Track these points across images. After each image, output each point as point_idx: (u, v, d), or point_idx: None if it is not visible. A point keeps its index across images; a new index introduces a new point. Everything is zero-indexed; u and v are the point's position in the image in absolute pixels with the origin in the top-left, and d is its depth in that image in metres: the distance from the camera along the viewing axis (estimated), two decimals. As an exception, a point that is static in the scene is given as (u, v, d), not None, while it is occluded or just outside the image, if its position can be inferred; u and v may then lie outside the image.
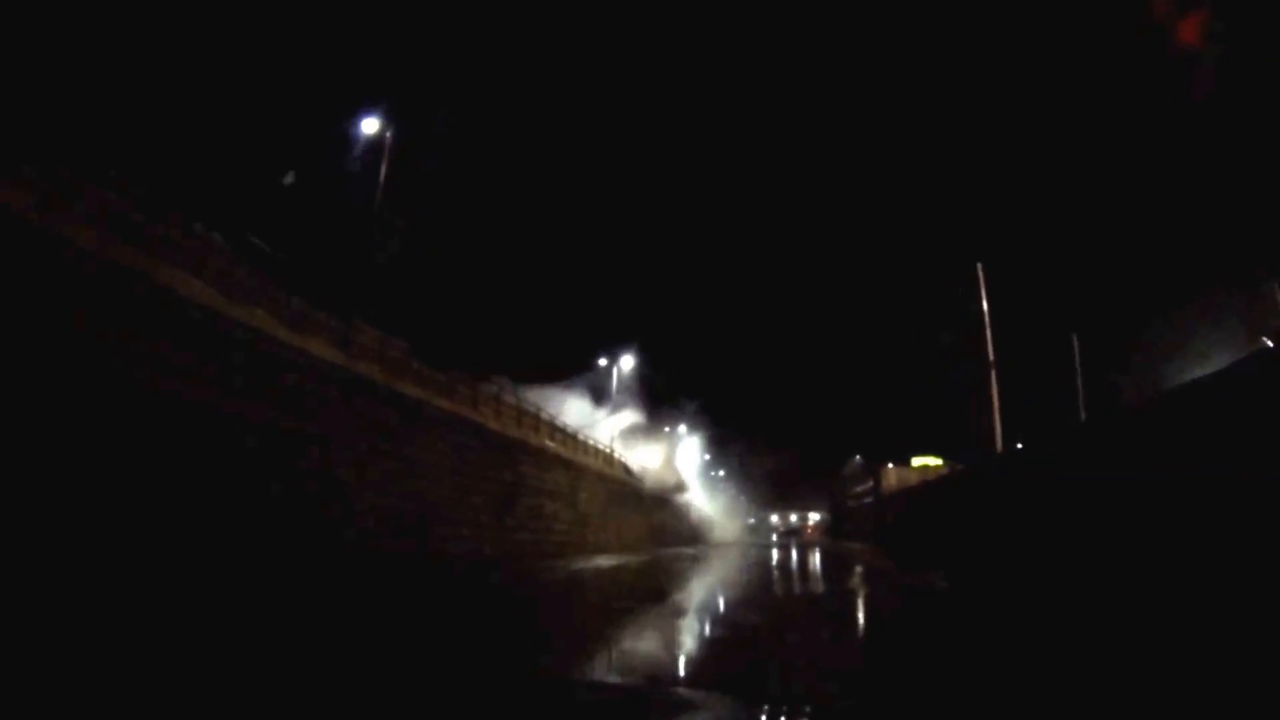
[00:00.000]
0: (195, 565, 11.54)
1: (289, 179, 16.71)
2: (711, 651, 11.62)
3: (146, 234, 13.28)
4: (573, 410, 47.16)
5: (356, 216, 22.36)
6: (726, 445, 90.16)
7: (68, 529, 10.28)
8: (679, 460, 74.93)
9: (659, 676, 9.20)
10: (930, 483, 34.76)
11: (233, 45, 28.43)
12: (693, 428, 78.43)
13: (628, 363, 54.33)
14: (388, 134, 22.41)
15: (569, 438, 38.42)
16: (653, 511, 54.05)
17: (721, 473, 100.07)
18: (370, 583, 14.94)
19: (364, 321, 19.53)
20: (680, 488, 70.96)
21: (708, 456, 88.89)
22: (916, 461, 61.58)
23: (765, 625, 13.84)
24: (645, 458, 59.05)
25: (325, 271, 21.73)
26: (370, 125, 22.51)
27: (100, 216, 12.54)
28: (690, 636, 13.16)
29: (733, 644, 12.21)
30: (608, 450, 46.10)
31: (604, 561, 30.96)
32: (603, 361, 52.22)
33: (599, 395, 52.58)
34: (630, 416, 57.27)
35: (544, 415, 34.83)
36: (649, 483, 56.37)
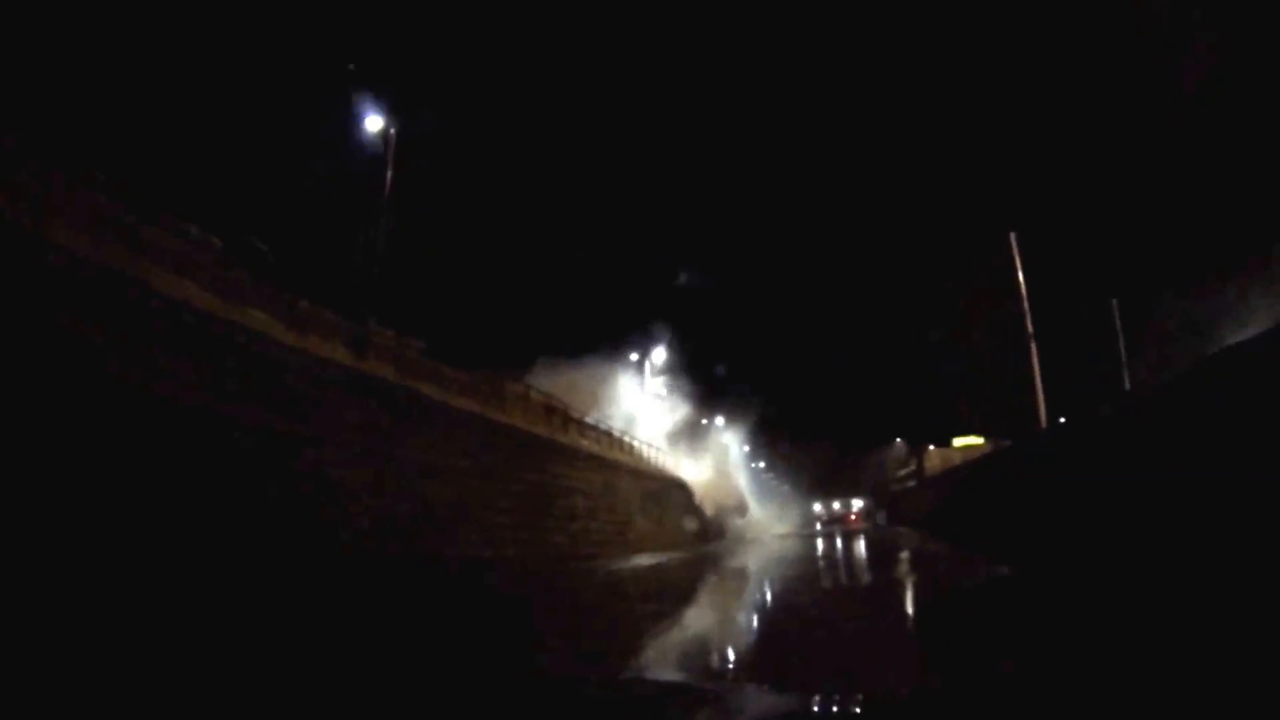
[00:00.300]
0: (210, 576, 11.03)
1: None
2: (757, 653, 11.17)
3: (141, 238, 12.80)
4: (623, 390, 46.43)
5: (362, 215, 21.73)
6: (765, 434, 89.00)
7: (62, 533, 9.79)
8: (725, 460, 73.54)
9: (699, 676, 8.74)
10: (978, 461, 33.76)
11: (222, 45, 27.85)
12: (731, 420, 77.44)
13: (661, 355, 53.42)
14: (391, 131, 21.75)
15: (603, 434, 37.78)
16: (694, 507, 53.13)
17: (762, 464, 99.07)
18: (392, 588, 14.39)
19: (378, 322, 19.02)
20: (741, 509, 68.11)
21: (747, 448, 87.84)
22: (958, 442, 60.41)
23: (815, 628, 13.05)
24: (694, 469, 57.58)
25: (335, 272, 21.29)
26: (374, 123, 21.86)
27: (93, 220, 12.07)
28: (733, 638, 12.69)
29: (778, 644, 11.68)
30: (645, 446, 45.39)
31: (643, 561, 30.26)
32: (634, 357, 51.28)
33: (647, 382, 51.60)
34: (678, 410, 56.17)
35: (573, 412, 34.21)
36: (703, 501, 54.47)
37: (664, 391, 54.91)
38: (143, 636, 8.01)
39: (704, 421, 69.39)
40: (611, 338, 47.64)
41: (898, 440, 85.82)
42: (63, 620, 8.07)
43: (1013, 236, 32.66)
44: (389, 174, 21.36)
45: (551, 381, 34.07)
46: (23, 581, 8.61)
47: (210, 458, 12.37)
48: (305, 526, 13.82)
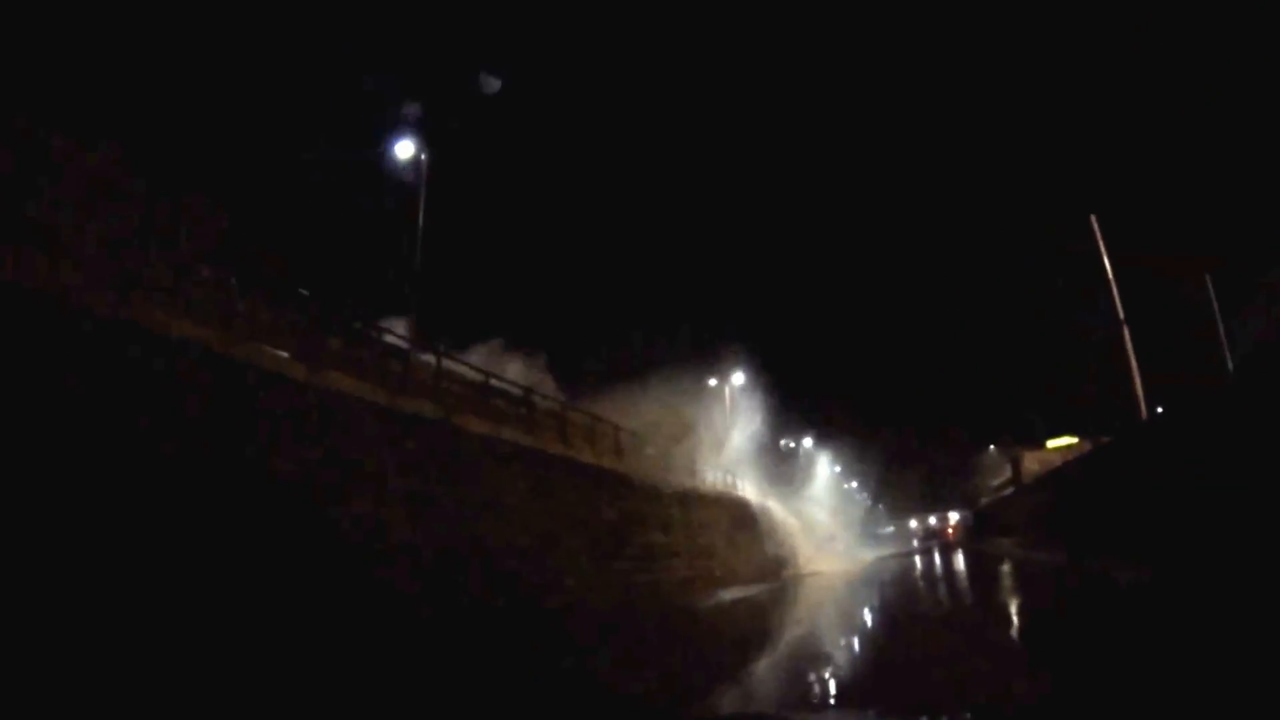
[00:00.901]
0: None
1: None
2: (860, 683, 10.58)
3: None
4: (709, 418, 45.13)
5: (406, 247, 21.03)
6: (854, 452, 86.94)
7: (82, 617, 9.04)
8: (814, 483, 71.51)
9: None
10: (1082, 460, 31.77)
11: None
12: (821, 442, 75.60)
13: (740, 378, 51.54)
14: (423, 156, 21.08)
15: (681, 465, 36.55)
16: (781, 535, 51.39)
17: (854, 484, 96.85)
18: (452, 643, 13.55)
19: (428, 354, 18.55)
20: (825, 535, 63.54)
21: (839, 468, 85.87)
22: (1053, 443, 58.02)
23: (923, 654, 11.98)
24: (781, 494, 55.56)
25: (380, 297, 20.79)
26: (405, 149, 21.20)
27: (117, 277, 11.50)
28: (834, 669, 12.13)
29: (882, 673, 11.15)
30: (727, 475, 44.06)
31: (728, 595, 29.02)
32: (713, 382, 49.63)
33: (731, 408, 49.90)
34: (764, 435, 54.22)
35: (650, 445, 33.19)
36: (790, 526, 52.11)
37: (750, 416, 53.11)
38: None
39: (791, 444, 67.72)
40: (696, 365, 46.18)
41: (990, 448, 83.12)
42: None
43: (1094, 219, 30.78)
44: (421, 204, 20.81)
45: (634, 411, 33.15)
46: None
47: (240, 512, 11.50)
48: (349, 581, 12.88)
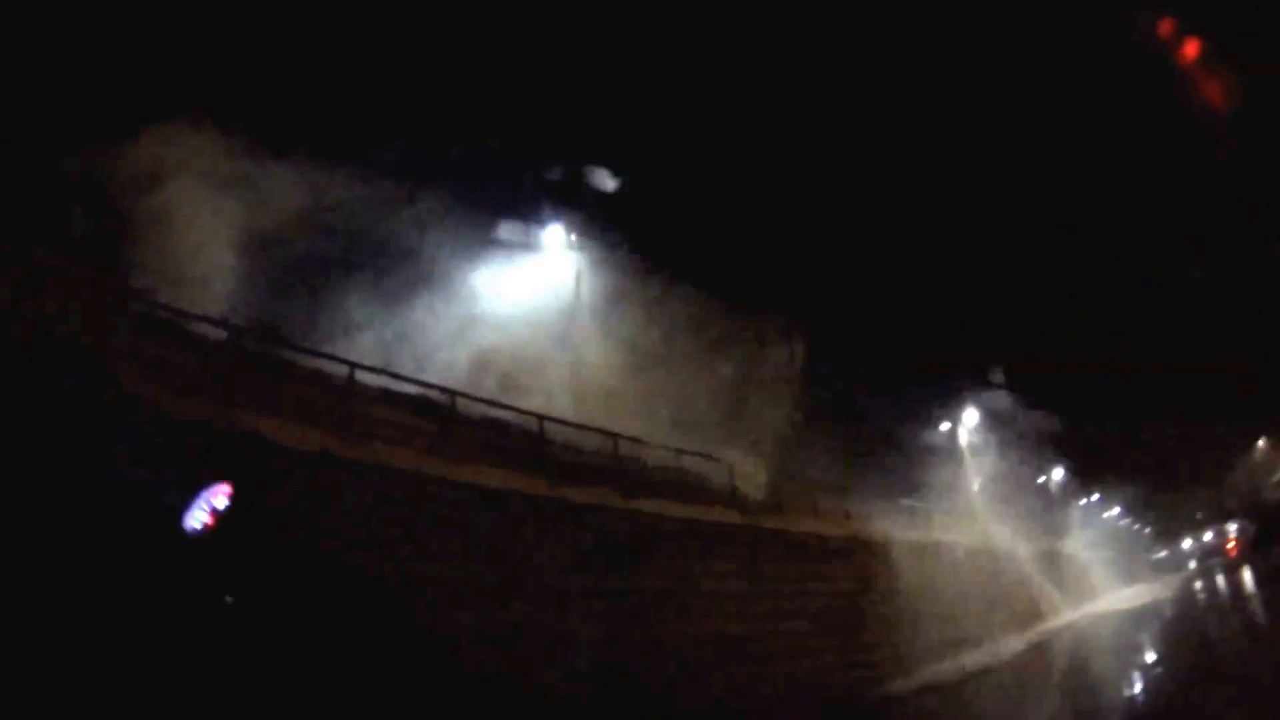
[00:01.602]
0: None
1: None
2: None
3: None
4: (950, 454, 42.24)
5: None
6: (1110, 474, 79.76)
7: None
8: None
9: None
10: None
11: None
12: (1074, 471, 69.54)
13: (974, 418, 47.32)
14: (579, 269, 20.51)
15: (919, 518, 34.29)
16: (1036, 579, 46.67)
17: (1116, 510, 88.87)
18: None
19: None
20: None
21: (1096, 497, 79.39)
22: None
23: None
24: (1028, 531, 50.76)
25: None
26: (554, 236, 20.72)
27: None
28: None
29: None
30: (969, 518, 40.68)
31: (970, 662, 26.21)
32: (945, 425, 45.77)
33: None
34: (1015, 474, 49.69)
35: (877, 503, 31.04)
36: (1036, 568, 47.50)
37: (989, 453, 48.63)
38: None
39: (1042, 479, 62.56)
40: (929, 404, 42.83)
41: (1259, 443, 74.10)
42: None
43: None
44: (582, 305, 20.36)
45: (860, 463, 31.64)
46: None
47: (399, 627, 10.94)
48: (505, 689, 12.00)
